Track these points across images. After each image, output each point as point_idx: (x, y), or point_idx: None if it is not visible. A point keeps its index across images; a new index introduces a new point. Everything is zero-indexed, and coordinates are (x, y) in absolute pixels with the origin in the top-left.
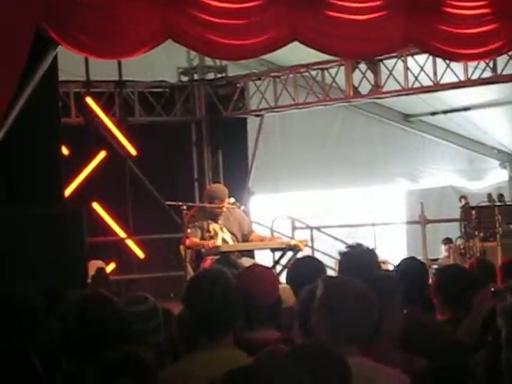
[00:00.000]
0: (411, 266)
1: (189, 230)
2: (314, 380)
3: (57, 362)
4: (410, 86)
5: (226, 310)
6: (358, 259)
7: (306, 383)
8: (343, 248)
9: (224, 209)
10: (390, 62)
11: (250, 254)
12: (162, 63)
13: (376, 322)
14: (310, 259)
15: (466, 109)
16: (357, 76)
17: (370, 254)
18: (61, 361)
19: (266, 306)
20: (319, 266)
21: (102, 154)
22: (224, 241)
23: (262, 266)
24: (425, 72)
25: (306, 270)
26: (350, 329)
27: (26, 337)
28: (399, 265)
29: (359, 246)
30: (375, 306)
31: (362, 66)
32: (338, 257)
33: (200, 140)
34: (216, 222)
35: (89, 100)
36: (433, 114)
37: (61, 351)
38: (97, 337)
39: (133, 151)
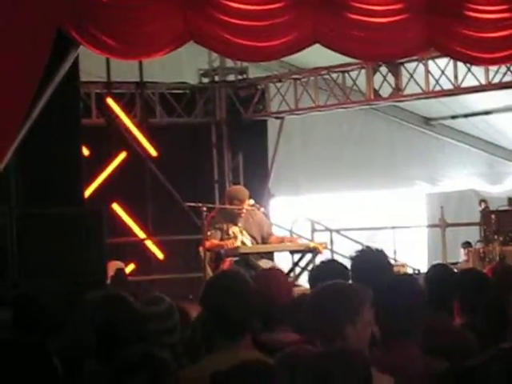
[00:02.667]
0: (441, 273)
1: (209, 233)
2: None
3: (76, 362)
4: (430, 89)
5: (244, 311)
6: (369, 263)
7: None
8: (353, 253)
9: (244, 210)
10: (410, 65)
11: (269, 255)
12: (183, 64)
13: (393, 326)
14: (334, 262)
15: (487, 112)
16: (378, 79)
17: (381, 255)
18: (80, 361)
19: (282, 306)
20: (342, 270)
21: (123, 155)
22: (243, 244)
23: (276, 268)
24: (445, 75)
25: (328, 272)
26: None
27: (47, 336)
28: (428, 271)
29: (369, 249)
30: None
31: (383, 69)
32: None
33: (220, 142)
34: (236, 224)
35: (110, 101)
36: (453, 117)
37: (80, 351)
38: (113, 337)
39: (153, 152)
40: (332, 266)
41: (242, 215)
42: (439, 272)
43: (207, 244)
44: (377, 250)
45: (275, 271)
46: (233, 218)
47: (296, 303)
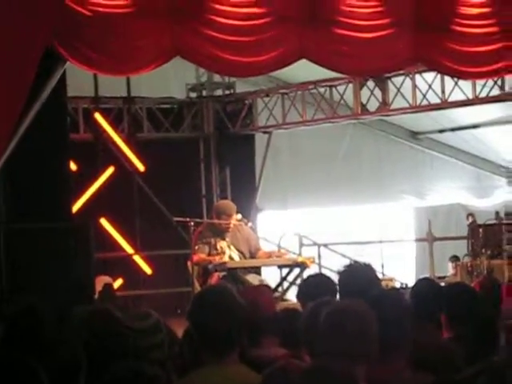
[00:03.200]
0: (426, 287)
1: (196, 247)
2: None
3: (65, 379)
4: (417, 103)
5: (231, 325)
6: (357, 277)
7: None
8: (340, 268)
9: (231, 225)
10: (398, 80)
11: (256, 270)
12: (171, 79)
13: (380, 342)
14: (321, 277)
15: (474, 126)
16: (365, 93)
17: (368, 270)
18: (69, 377)
19: (267, 318)
20: (330, 284)
21: (110, 170)
22: (231, 258)
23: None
24: (433, 90)
25: (316, 287)
26: (352, 350)
27: (35, 353)
28: (414, 285)
29: (356, 263)
30: (374, 327)
31: (370, 84)
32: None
33: (208, 156)
34: (223, 239)
35: (97, 116)
36: (441, 131)
37: (69, 367)
38: (101, 352)
39: (141, 167)
40: (319, 280)
41: (230, 230)
42: (425, 286)
43: (195, 258)
44: (364, 264)
45: (256, 285)
46: (220, 233)
47: (282, 316)
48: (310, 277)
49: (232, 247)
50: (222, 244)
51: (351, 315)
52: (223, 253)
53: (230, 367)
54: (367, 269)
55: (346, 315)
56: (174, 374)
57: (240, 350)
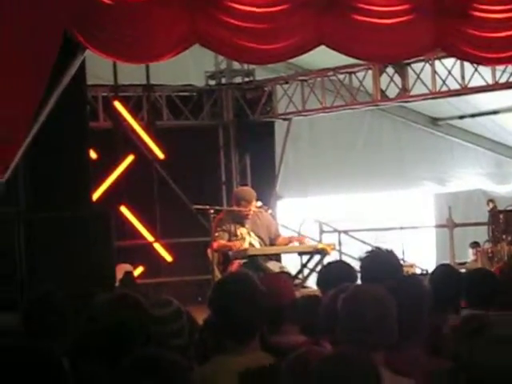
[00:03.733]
0: (445, 273)
1: (216, 234)
2: None
3: (84, 366)
4: (437, 89)
5: (252, 313)
6: (379, 264)
7: None
8: (362, 254)
9: (251, 212)
10: (417, 66)
11: (277, 257)
12: (190, 67)
13: (398, 327)
14: (341, 263)
15: (494, 112)
16: (384, 80)
17: (391, 256)
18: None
19: (287, 305)
20: (350, 271)
21: (130, 158)
22: (251, 245)
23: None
24: (452, 76)
25: (336, 274)
26: (371, 336)
27: (55, 339)
28: (433, 271)
29: (378, 250)
30: (394, 312)
31: (390, 70)
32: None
33: (227, 144)
34: (243, 225)
35: (117, 104)
36: (461, 117)
37: (89, 353)
38: (123, 337)
39: (160, 155)
40: (339, 266)
41: (249, 216)
42: (444, 272)
43: (215, 245)
44: (387, 250)
45: (275, 273)
46: (240, 219)
47: (302, 304)
48: (329, 264)
49: (252, 234)
50: (241, 230)
51: (368, 300)
52: (243, 239)
53: (250, 354)
54: (390, 255)
55: (362, 300)
56: (194, 361)
57: (260, 338)
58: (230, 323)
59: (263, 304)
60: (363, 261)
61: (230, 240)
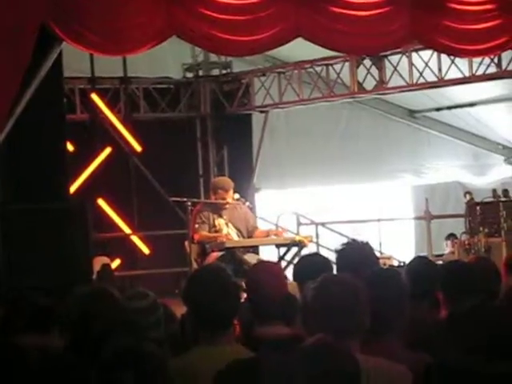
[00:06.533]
0: (420, 265)
1: (196, 225)
2: (325, 378)
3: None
4: (414, 81)
5: (225, 305)
6: (355, 255)
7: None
8: (338, 246)
9: (229, 202)
10: (394, 58)
11: (254, 249)
12: (167, 59)
13: (368, 314)
14: (317, 256)
15: (471, 104)
16: (361, 72)
17: (366, 248)
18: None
19: (276, 301)
20: (325, 263)
21: (107, 151)
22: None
23: (270, 262)
24: (429, 68)
25: (312, 266)
26: (341, 323)
27: (33, 333)
28: (409, 263)
29: (354, 242)
30: (364, 300)
31: (367, 62)
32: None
33: (205, 136)
34: (221, 216)
35: (94, 96)
36: (438, 109)
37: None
38: (98, 331)
39: (138, 147)
40: (315, 259)
41: (227, 206)
42: (419, 264)
43: (197, 236)
44: (362, 242)
45: (268, 264)
46: (218, 210)
47: (287, 298)
48: (305, 256)
49: (230, 225)
50: (219, 221)
51: (336, 288)
52: (221, 230)
53: (225, 346)
54: (365, 247)
55: (331, 288)
56: (170, 353)
57: (244, 329)
58: (201, 315)
59: (237, 296)
60: (339, 253)
61: (209, 231)
